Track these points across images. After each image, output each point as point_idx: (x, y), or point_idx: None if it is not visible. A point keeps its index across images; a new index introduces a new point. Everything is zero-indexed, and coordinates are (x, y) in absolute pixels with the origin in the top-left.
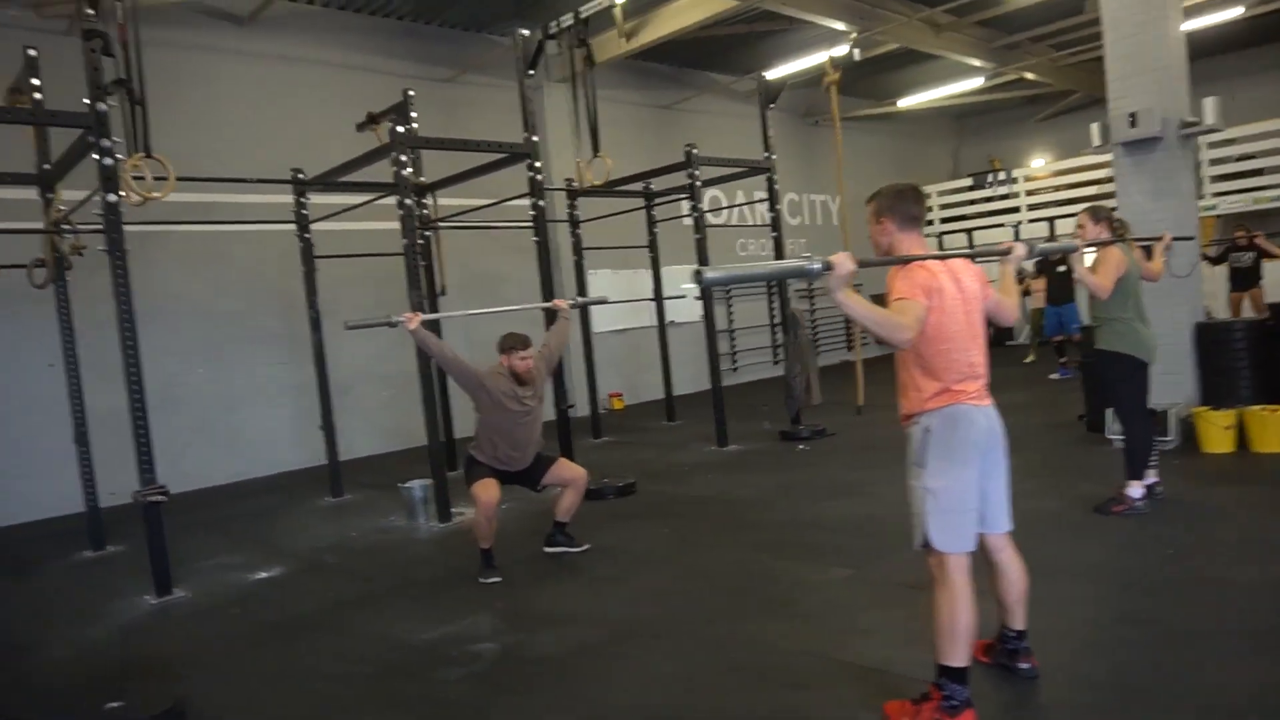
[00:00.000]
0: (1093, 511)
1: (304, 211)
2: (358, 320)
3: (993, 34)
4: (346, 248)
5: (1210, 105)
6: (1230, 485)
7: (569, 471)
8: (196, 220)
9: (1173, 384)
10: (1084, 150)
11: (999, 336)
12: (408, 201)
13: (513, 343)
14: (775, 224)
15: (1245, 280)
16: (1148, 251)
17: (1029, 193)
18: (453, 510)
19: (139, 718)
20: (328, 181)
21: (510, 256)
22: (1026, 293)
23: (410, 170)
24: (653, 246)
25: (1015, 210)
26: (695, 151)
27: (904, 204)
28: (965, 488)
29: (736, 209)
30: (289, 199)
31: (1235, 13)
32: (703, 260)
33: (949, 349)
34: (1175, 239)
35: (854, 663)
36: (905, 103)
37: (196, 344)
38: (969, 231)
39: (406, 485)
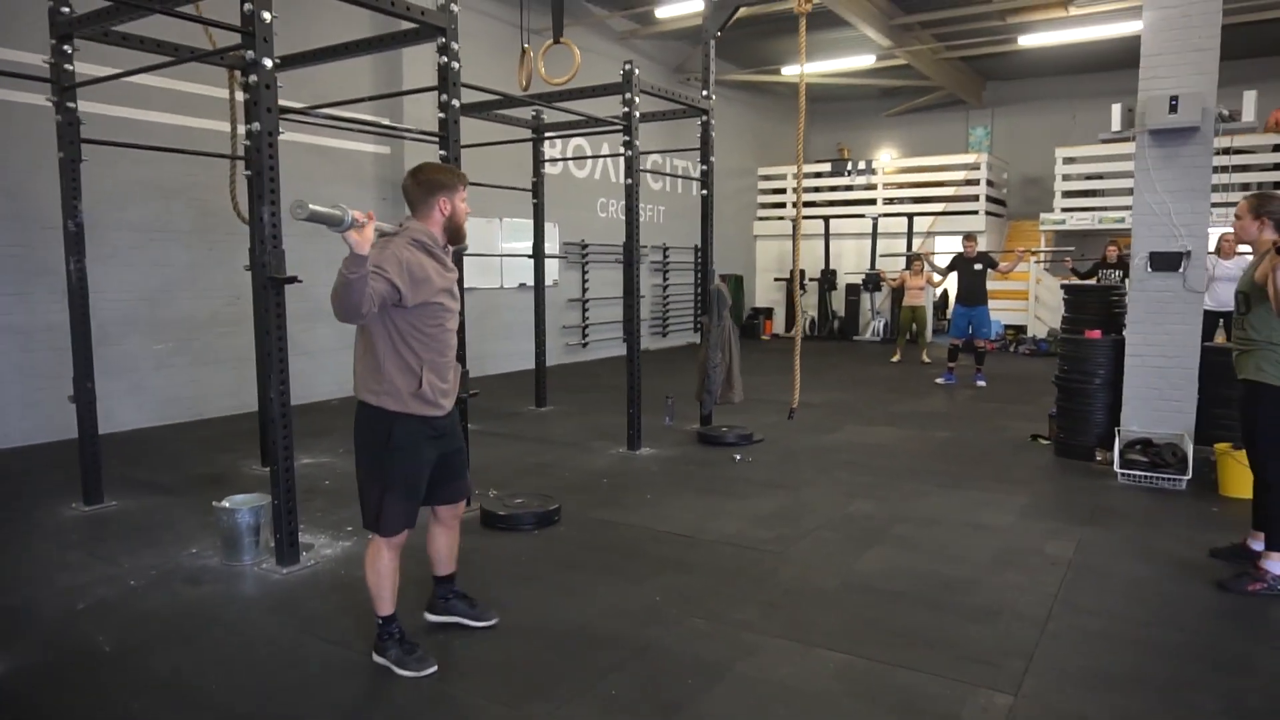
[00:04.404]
0: (1216, 587)
1: (68, 67)
2: (315, 207)
3: (894, 9)
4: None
5: (1250, 100)
6: None
7: (464, 482)
8: None
9: (1172, 412)
10: (1101, 135)
11: (845, 330)
12: (268, 63)
13: (457, 177)
14: (706, 179)
15: None
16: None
17: (885, 185)
18: (302, 543)
19: None
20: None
21: (347, 186)
22: (900, 288)
23: (270, 16)
24: (537, 191)
25: (872, 202)
26: (637, 73)
27: None
28: None
29: (600, 165)
30: (30, 56)
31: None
32: (631, 216)
33: None
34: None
35: None
36: (790, 71)
37: None
38: (826, 219)
39: (227, 505)
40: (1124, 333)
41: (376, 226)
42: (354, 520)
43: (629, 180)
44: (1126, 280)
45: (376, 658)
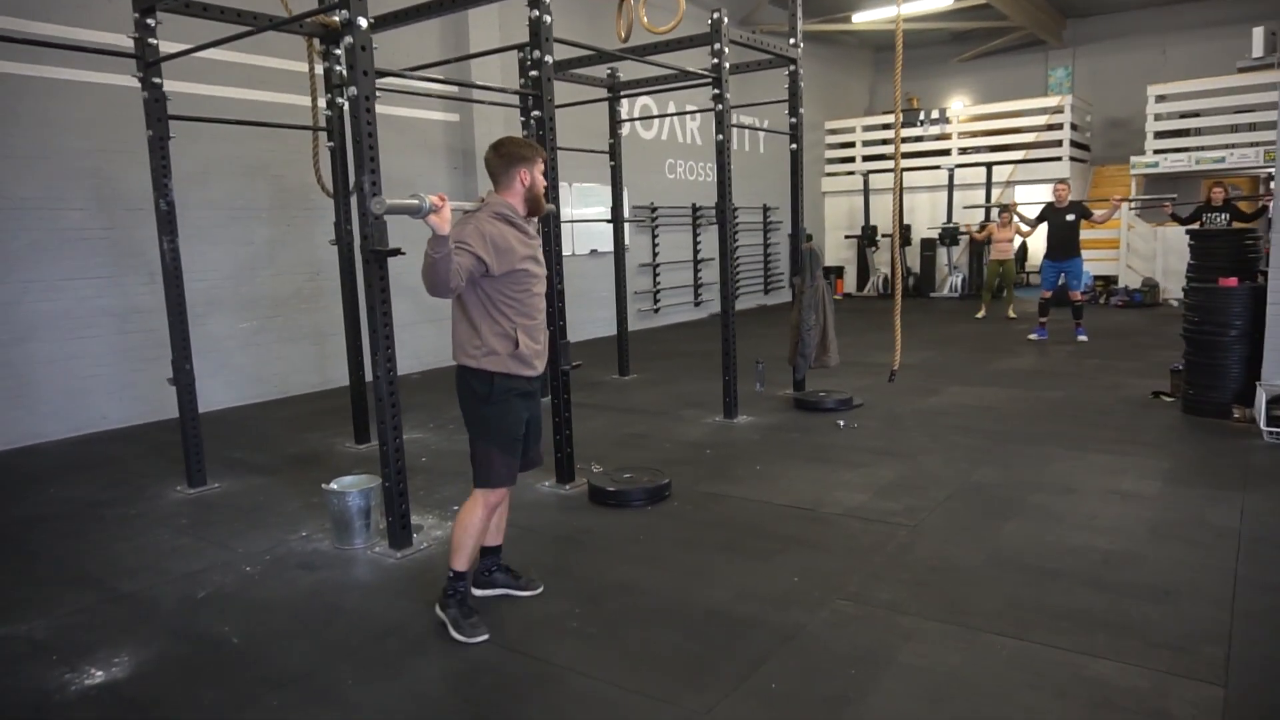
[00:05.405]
0: None
1: (152, 41)
2: (392, 201)
3: None
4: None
5: None
6: None
7: (538, 449)
8: None
9: None
10: (1240, 62)
11: (920, 287)
12: (363, 23)
13: (535, 150)
14: (795, 133)
15: None
16: None
17: (959, 134)
18: (413, 523)
19: None
20: None
21: (417, 156)
22: (987, 241)
23: None
24: (614, 153)
25: (946, 152)
26: (726, 20)
27: None
28: None
29: (667, 125)
30: (103, 36)
31: None
32: (724, 174)
33: None
34: None
35: None
36: (861, 18)
37: None
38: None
39: (336, 488)
40: (1265, 279)
41: (456, 206)
42: (459, 499)
43: (720, 136)
44: (1233, 223)
45: (438, 611)
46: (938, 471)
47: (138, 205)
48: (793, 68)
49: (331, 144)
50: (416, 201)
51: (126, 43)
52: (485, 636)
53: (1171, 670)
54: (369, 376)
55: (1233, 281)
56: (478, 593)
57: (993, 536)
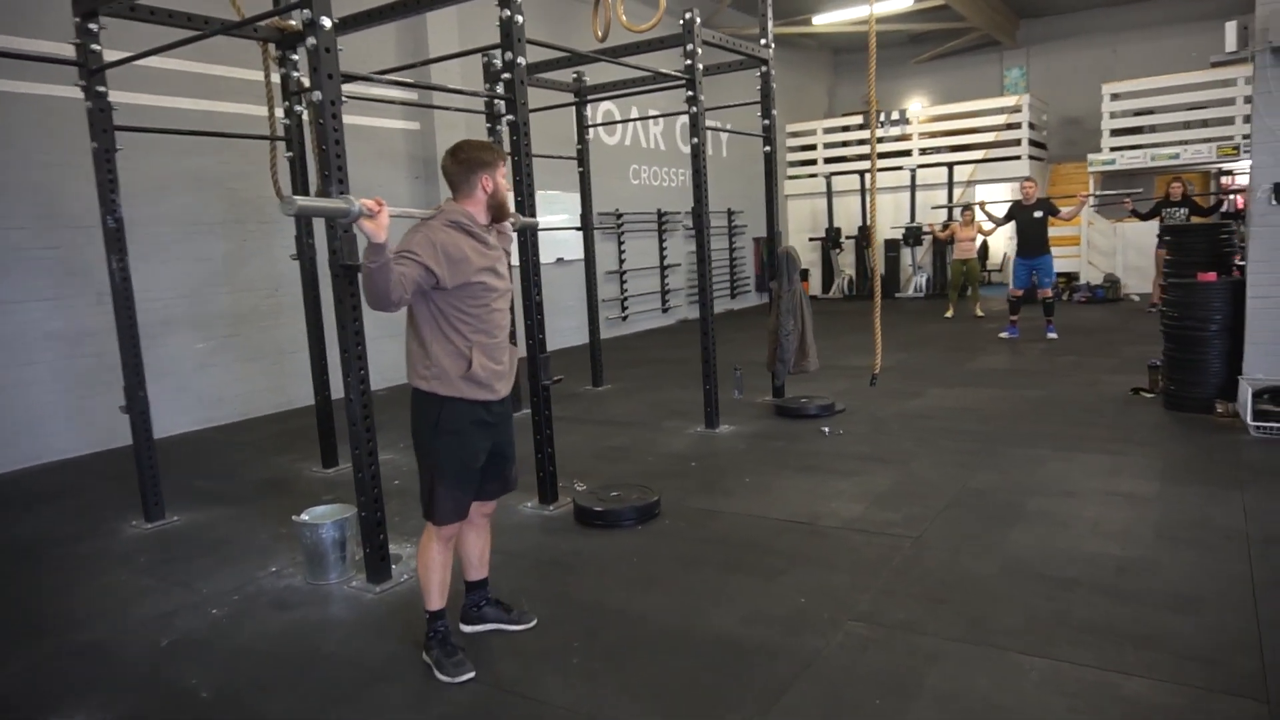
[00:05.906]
0: None
1: (95, 47)
2: (306, 202)
3: None
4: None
5: None
6: None
7: (509, 476)
8: None
9: None
10: (1213, 57)
11: (884, 288)
12: (327, 23)
13: (496, 154)
14: (769, 135)
15: None
16: None
17: (920, 135)
18: (391, 553)
19: None
20: None
21: (378, 165)
22: (950, 240)
23: None
24: (583, 159)
25: (907, 153)
26: (698, 21)
27: None
28: None
29: (630, 130)
30: (47, 45)
31: None
32: (699, 179)
33: None
34: None
35: None
36: (821, 20)
37: None
38: (860, 173)
39: (308, 520)
40: (1245, 273)
41: (403, 212)
42: None
43: (695, 140)
44: (1191, 218)
45: (424, 656)
46: (931, 477)
47: (84, 223)
48: (764, 69)
49: (290, 154)
50: (344, 205)
51: (68, 50)
52: (470, 675)
53: (1208, 686)
54: (334, 395)
55: (1212, 276)
56: (466, 629)
57: (1000, 545)
